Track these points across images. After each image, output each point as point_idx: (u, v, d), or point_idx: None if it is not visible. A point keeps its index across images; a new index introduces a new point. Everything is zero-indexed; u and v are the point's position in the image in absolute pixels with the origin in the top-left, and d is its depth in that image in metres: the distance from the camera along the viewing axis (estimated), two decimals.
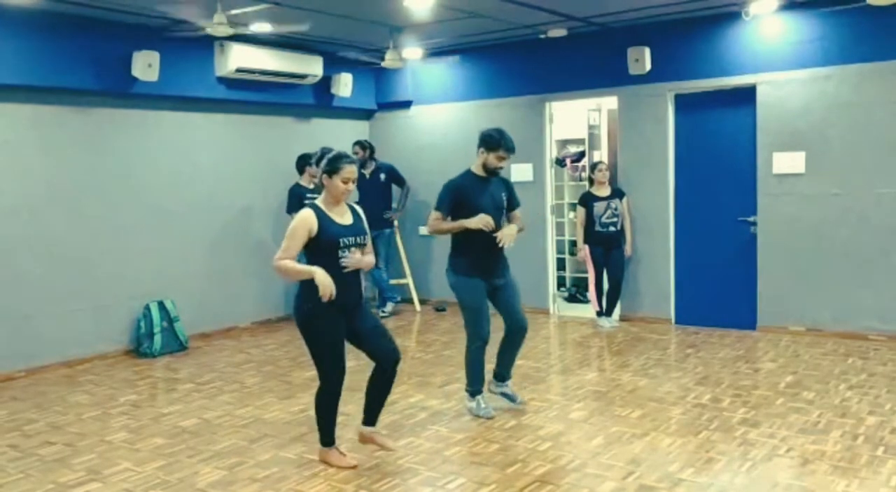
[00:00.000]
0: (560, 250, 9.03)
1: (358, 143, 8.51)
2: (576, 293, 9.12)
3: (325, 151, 4.09)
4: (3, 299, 6.30)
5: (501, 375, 5.22)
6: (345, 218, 4.09)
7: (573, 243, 8.83)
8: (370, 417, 4.34)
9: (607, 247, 7.58)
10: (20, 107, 6.40)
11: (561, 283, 9.09)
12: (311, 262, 4.00)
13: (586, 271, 7.87)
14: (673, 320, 7.71)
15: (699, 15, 7.10)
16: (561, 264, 9.11)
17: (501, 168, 4.92)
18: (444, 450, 4.47)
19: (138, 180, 7.20)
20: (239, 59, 7.43)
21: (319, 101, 8.65)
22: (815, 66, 6.77)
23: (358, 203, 4.58)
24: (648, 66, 7.45)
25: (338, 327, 4.05)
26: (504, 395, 5.20)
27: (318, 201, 4.08)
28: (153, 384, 6.18)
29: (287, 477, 4.12)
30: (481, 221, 4.71)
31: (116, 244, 7.03)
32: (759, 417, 4.85)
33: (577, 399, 5.38)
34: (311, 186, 7.71)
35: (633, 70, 7.51)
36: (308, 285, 3.97)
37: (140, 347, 7.05)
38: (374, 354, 4.20)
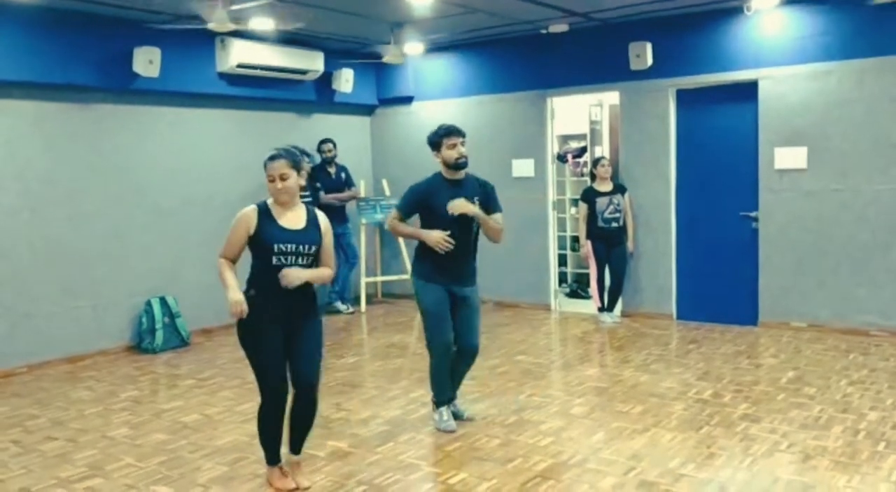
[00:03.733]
0: (561, 246, 9.02)
1: (329, 140, 8.44)
2: (577, 289, 9.12)
3: None
4: (5, 296, 6.31)
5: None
6: (294, 222, 3.74)
7: (575, 239, 8.82)
8: (292, 444, 3.96)
9: (609, 243, 7.57)
10: (21, 103, 6.39)
11: (562, 279, 9.09)
12: (252, 263, 3.75)
13: (588, 267, 7.87)
14: (674, 316, 7.70)
15: (701, 10, 7.09)
16: (562, 260, 9.10)
17: (464, 155, 4.55)
18: (445, 445, 4.47)
19: (140, 176, 7.20)
20: (240, 54, 7.43)
21: (321, 96, 8.64)
22: (816, 62, 6.76)
23: (321, 206, 4.24)
24: (650, 62, 7.44)
25: (273, 342, 3.73)
26: (452, 414, 4.81)
27: (269, 201, 3.79)
28: (154, 380, 6.19)
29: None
30: (436, 240, 4.43)
31: (118, 240, 7.04)
32: (761, 412, 4.85)
33: (579, 395, 5.38)
34: (303, 183, 7.69)
35: (635, 65, 7.50)
36: (256, 290, 3.72)
37: (141, 344, 7.06)
38: (292, 376, 3.81)
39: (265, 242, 3.66)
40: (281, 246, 3.65)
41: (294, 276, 3.66)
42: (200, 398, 5.57)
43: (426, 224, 4.57)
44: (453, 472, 4.08)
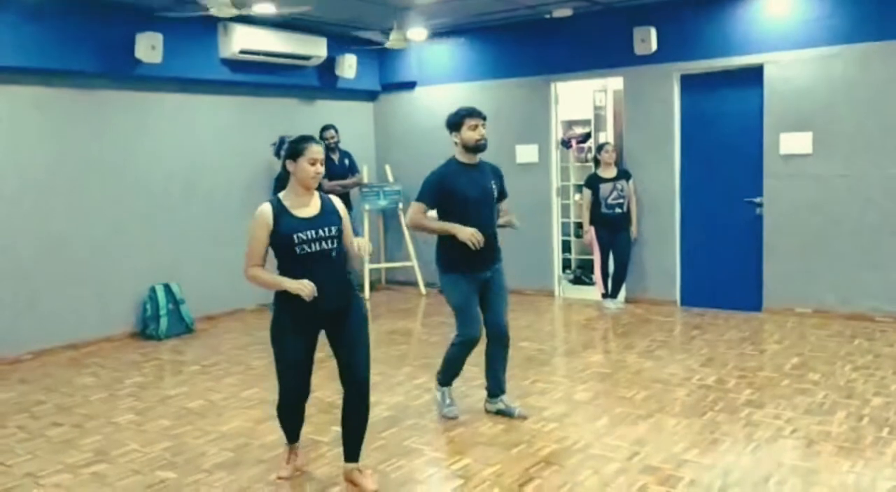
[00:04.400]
0: (565, 232, 9.00)
1: (332, 126, 8.38)
2: (581, 275, 9.11)
3: (283, 139, 3.74)
4: (10, 284, 6.32)
5: (493, 390, 4.75)
6: (309, 210, 3.59)
7: (579, 225, 8.80)
8: (347, 451, 3.81)
9: (613, 229, 7.55)
10: (23, 89, 6.38)
11: (566, 265, 9.08)
12: (278, 265, 3.63)
13: (591, 253, 7.86)
14: (678, 302, 7.70)
15: None
16: (566, 246, 9.09)
17: (485, 137, 4.44)
18: (448, 431, 4.48)
19: (142, 163, 7.19)
20: (242, 40, 7.40)
21: (324, 82, 8.62)
22: (822, 46, 6.71)
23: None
24: (654, 47, 7.39)
25: (300, 345, 3.64)
26: (500, 412, 4.71)
27: (281, 194, 3.63)
28: (159, 366, 6.21)
29: None
30: (473, 237, 4.31)
31: (121, 227, 7.04)
32: (765, 398, 4.85)
33: (582, 381, 5.38)
34: None
35: (639, 50, 7.46)
36: (279, 293, 3.61)
37: (146, 330, 7.08)
38: (340, 373, 3.73)
39: (284, 234, 3.51)
40: (300, 235, 3.51)
41: (363, 246, 3.69)
42: (205, 384, 5.59)
43: (445, 210, 4.48)
44: (457, 457, 4.09)
